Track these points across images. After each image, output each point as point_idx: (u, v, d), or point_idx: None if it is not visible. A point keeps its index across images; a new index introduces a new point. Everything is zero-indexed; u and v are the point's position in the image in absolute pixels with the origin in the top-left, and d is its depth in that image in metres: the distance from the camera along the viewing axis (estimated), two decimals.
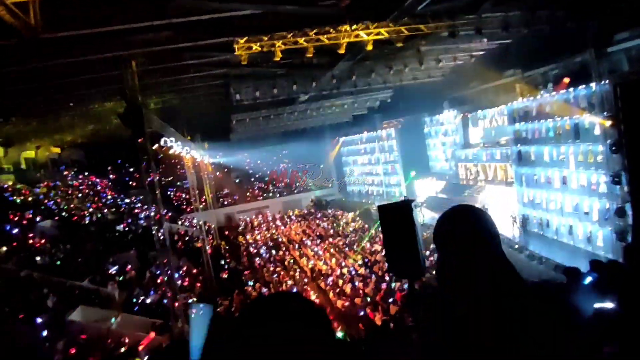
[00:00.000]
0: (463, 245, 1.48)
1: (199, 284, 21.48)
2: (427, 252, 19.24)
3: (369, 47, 16.65)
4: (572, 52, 19.43)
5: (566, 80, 19.82)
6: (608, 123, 16.97)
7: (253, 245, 30.12)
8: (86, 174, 41.23)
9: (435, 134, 35.75)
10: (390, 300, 16.35)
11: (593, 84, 17.86)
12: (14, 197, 26.79)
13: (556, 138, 20.85)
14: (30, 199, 27.78)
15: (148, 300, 18.17)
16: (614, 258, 14.74)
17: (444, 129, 34.25)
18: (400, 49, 18.51)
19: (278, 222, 38.16)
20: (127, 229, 27.03)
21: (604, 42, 17.57)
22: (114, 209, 32.54)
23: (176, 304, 15.51)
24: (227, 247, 30.54)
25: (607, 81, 16.99)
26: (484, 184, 29.17)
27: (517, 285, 1.41)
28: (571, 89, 19.38)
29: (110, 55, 14.72)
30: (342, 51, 16.58)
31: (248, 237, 33.35)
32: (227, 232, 35.70)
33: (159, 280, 19.59)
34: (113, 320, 15.61)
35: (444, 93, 31.11)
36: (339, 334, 13.28)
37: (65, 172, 38.50)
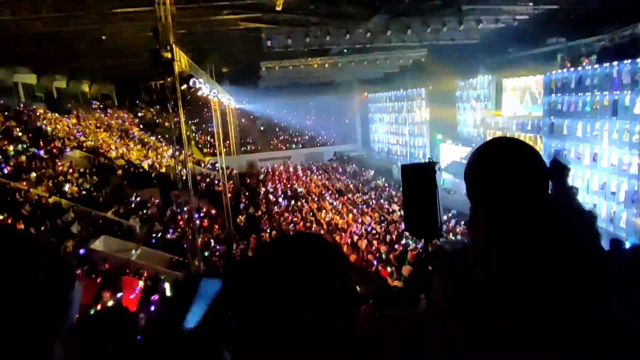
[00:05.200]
0: (502, 188, 1.13)
1: (217, 226, 22.01)
2: (445, 217, 19.23)
3: None
4: (622, 24, 18.41)
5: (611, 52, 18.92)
6: None
7: (272, 194, 30.42)
8: (115, 108, 41.82)
9: (467, 99, 34.81)
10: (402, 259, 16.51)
11: None
12: (45, 125, 27.39)
13: (592, 113, 20.10)
14: (59, 127, 28.37)
15: (167, 237, 18.75)
16: (635, 241, 14.55)
17: (477, 94, 33.30)
18: (440, 6, 17.85)
19: (300, 173, 38.31)
20: (151, 166, 27.56)
21: None
22: (139, 146, 33.11)
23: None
24: (247, 193, 30.95)
25: None
26: None
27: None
28: (615, 63, 18.52)
29: None
30: None
31: (268, 185, 33.66)
32: (247, 179, 36.08)
33: (180, 220, 20.13)
34: (133, 252, 16.16)
35: (480, 57, 30.05)
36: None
37: (95, 106, 39.08)
